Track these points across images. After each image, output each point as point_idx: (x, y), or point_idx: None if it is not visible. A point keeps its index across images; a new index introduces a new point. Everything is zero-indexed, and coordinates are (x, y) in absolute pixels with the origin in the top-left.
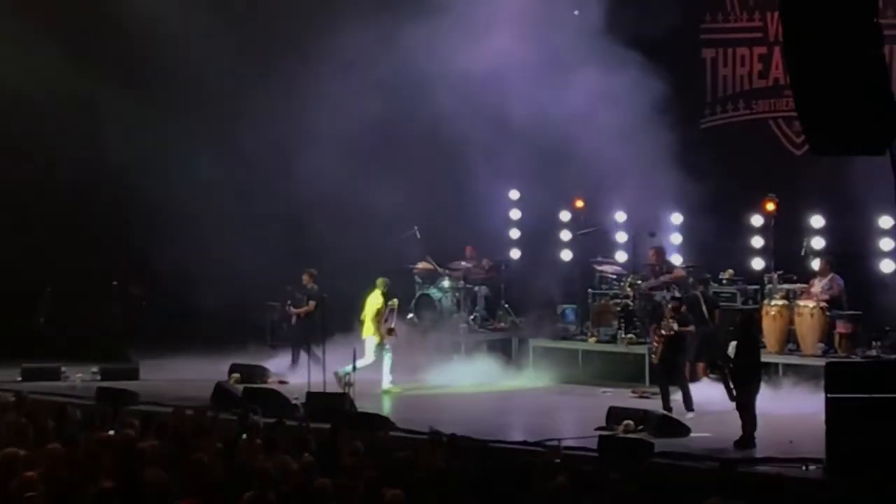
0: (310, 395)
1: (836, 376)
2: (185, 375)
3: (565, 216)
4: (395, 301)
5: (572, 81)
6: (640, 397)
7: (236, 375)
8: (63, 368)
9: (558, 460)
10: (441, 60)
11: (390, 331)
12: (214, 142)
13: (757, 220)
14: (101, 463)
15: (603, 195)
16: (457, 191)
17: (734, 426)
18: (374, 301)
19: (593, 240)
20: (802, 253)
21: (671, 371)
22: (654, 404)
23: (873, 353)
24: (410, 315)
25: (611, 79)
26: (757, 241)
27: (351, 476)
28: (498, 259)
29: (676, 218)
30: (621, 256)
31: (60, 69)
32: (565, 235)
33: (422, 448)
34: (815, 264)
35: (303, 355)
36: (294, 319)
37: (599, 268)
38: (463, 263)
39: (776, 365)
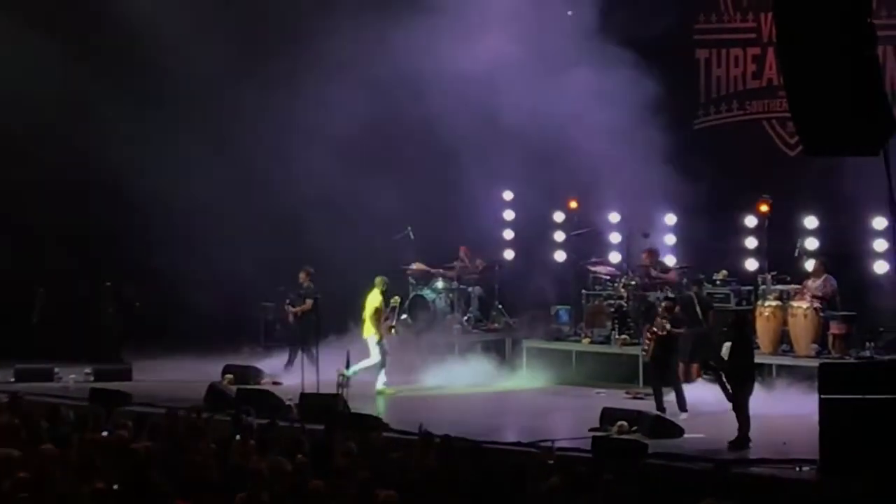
0: (303, 395)
1: (829, 377)
2: (179, 376)
3: (559, 217)
4: (397, 299)
5: (566, 82)
6: (634, 398)
7: (230, 376)
8: (56, 369)
9: (552, 461)
10: (435, 61)
11: (391, 328)
12: (209, 142)
13: (751, 221)
14: (95, 464)
15: (596, 196)
16: (451, 191)
17: (728, 427)
18: (374, 300)
19: (587, 241)
20: (796, 254)
21: (664, 372)
22: (648, 405)
23: (867, 353)
24: (404, 316)
25: (604, 79)
26: (750, 242)
27: (344, 477)
28: (492, 260)
29: (670, 219)
30: (615, 257)
31: (56, 70)
32: (559, 236)
33: (415, 449)
34: (809, 265)
35: (299, 355)
36: (291, 319)
37: (593, 269)
38: (457, 264)
39: (770, 366)
